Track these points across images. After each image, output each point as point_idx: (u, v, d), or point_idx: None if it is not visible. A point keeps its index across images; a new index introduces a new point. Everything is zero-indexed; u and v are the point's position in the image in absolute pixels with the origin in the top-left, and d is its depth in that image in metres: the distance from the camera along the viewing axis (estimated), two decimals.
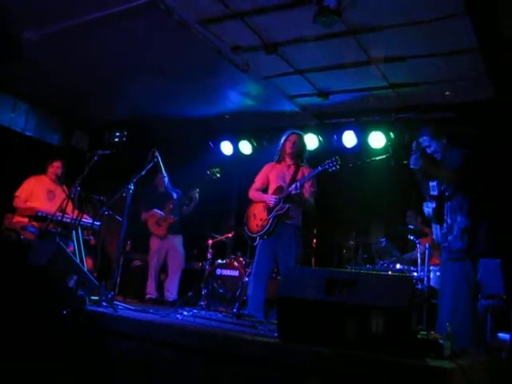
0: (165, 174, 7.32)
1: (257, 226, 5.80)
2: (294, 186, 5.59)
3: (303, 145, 6.05)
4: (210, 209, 7.58)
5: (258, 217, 5.84)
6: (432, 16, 5.13)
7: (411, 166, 4.70)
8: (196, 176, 7.84)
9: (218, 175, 7.28)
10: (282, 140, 6.00)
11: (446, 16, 5.08)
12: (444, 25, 5.22)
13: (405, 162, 4.78)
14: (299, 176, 5.80)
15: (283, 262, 5.63)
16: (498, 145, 6.37)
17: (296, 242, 5.78)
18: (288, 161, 5.95)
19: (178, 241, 7.51)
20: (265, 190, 6.03)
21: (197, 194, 7.28)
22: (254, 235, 5.82)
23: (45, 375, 3.80)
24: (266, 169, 6.11)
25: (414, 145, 4.78)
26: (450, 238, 4.42)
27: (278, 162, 6.02)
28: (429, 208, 4.76)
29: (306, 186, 5.74)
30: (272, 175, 5.97)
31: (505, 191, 4.99)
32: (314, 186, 5.85)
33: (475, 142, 6.20)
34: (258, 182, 6.09)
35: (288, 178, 5.83)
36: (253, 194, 6.07)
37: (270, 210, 5.73)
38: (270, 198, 5.75)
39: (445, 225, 4.52)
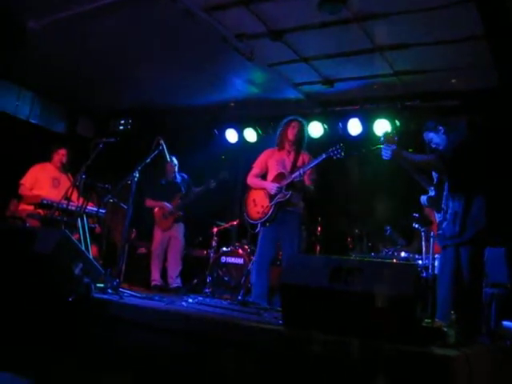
0: (175, 162, 7.37)
1: (258, 213, 5.77)
2: (297, 173, 5.57)
3: (305, 132, 6.02)
4: (214, 197, 7.59)
5: (258, 204, 5.81)
6: (438, 2, 5.09)
7: (383, 158, 4.67)
8: (201, 163, 7.86)
9: (227, 177, 7.25)
10: (283, 126, 5.95)
11: (452, 2, 5.04)
12: (450, 11, 5.18)
13: (410, 150, 4.74)
14: (300, 163, 5.78)
15: (287, 249, 5.62)
16: (503, 132, 6.34)
17: (299, 229, 5.80)
18: (288, 147, 5.91)
19: (179, 229, 7.51)
20: (263, 177, 6.00)
21: (212, 185, 7.26)
22: (255, 222, 5.79)
23: (50, 361, 3.82)
24: (265, 155, 6.05)
25: (381, 137, 4.79)
26: (444, 224, 4.39)
27: (278, 148, 5.99)
28: (424, 196, 4.77)
29: (308, 173, 5.71)
30: (271, 162, 5.92)
31: (505, 176, 4.93)
32: (315, 174, 5.82)
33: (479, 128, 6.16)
34: (257, 167, 6.04)
35: (288, 165, 5.79)
36: (252, 180, 6.01)
37: (271, 197, 5.70)
38: (272, 186, 5.71)
39: (442, 212, 4.50)
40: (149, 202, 7.52)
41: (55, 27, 6.15)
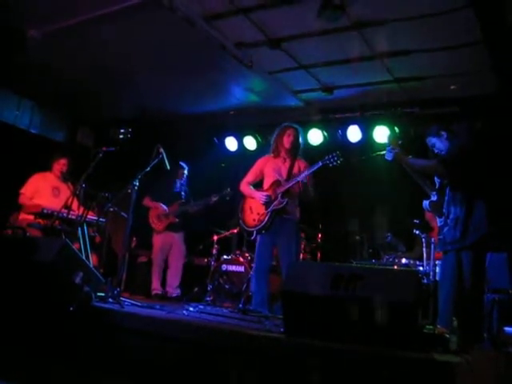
0: (185, 167, 7.40)
1: (253, 220, 5.77)
2: (293, 181, 5.56)
3: (300, 139, 5.99)
4: (214, 205, 7.58)
5: (254, 211, 5.80)
6: (437, 9, 5.11)
7: (385, 159, 4.72)
8: (201, 172, 7.86)
9: (230, 194, 7.27)
10: (278, 133, 5.92)
11: (451, 9, 5.06)
12: (449, 18, 5.19)
13: (410, 156, 4.76)
14: (295, 170, 5.77)
15: (284, 257, 5.60)
16: (503, 137, 6.34)
17: (296, 236, 5.77)
18: (284, 154, 5.90)
19: (179, 237, 7.52)
20: (258, 184, 5.98)
21: (212, 202, 7.28)
22: (251, 229, 5.79)
23: (50, 370, 3.81)
24: (260, 162, 6.03)
25: (387, 139, 4.85)
26: (445, 229, 4.39)
27: (274, 155, 5.96)
28: (426, 201, 4.77)
29: (307, 178, 5.69)
30: (267, 169, 5.90)
31: (506, 181, 4.94)
32: (313, 179, 5.81)
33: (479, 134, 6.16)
34: (251, 175, 6.02)
35: (284, 172, 5.78)
36: (244, 188, 5.99)
37: (267, 205, 5.70)
38: (261, 195, 5.73)
39: (443, 217, 4.51)
40: (146, 201, 7.51)
41: (55, 36, 6.16)
